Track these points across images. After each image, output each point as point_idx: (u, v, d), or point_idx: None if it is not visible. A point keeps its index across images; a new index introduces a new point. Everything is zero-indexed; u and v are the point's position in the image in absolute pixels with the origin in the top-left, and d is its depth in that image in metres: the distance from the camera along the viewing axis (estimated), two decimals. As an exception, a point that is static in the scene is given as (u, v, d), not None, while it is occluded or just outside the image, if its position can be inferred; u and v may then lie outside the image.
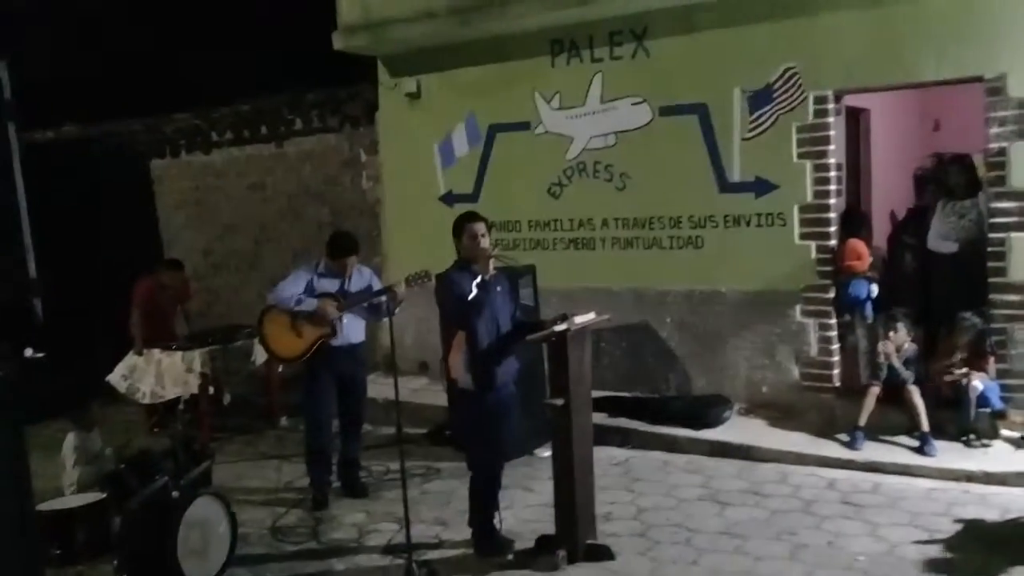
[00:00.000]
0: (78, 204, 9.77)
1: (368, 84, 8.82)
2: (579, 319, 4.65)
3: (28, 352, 9.24)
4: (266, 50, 10.60)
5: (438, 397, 7.27)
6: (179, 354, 7.52)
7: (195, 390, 7.48)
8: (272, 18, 10.71)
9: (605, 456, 6.23)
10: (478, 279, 4.64)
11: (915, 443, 5.99)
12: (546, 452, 6.23)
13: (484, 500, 4.85)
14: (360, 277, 6.00)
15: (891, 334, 6.19)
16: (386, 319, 5.23)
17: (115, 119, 10.60)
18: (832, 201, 6.64)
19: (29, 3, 11.36)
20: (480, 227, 4.78)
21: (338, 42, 8.24)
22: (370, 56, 8.57)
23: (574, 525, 4.52)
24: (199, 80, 10.77)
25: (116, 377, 7.71)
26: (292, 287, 5.79)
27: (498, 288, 4.82)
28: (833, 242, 6.67)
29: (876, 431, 6.18)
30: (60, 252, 9.27)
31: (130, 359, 7.76)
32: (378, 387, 6.97)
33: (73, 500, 4.29)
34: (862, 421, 6.13)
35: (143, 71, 11.22)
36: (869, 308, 6.76)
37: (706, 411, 6.70)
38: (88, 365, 8.02)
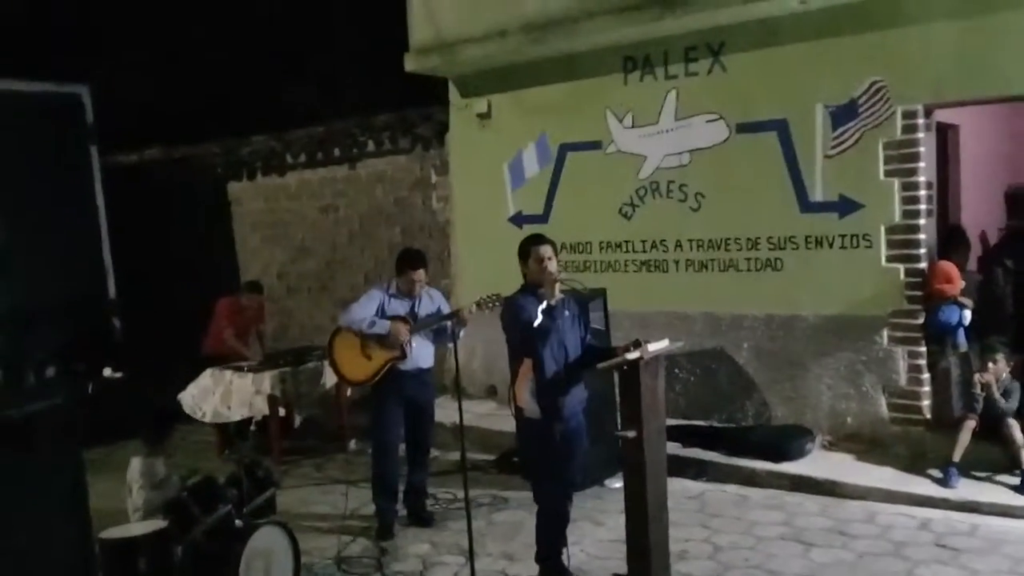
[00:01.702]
0: (158, 225, 10.01)
1: (439, 105, 8.79)
2: (652, 346, 4.44)
3: (107, 371, 9.48)
4: (339, 73, 10.70)
5: (506, 422, 7.09)
6: (250, 376, 7.55)
7: (265, 411, 7.50)
8: (344, 41, 10.82)
9: (678, 489, 5.98)
10: (544, 305, 4.48)
11: (1015, 481, 5.58)
12: (617, 483, 6.02)
13: (551, 535, 4.65)
14: (430, 300, 5.91)
15: (990, 364, 5.80)
16: (455, 343, 5.14)
17: (195, 142, 10.82)
18: (923, 221, 6.29)
19: (112, 31, 11.72)
20: (546, 250, 4.61)
21: (410, 63, 8.23)
22: (441, 77, 8.54)
23: (648, 566, 4.29)
24: (275, 103, 10.95)
25: (187, 396, 7.79)
26: (364, 310, 5.72)
27: (566, 313, 4.64)
28: (923, 264, 6.32)
29: (971, 468, 5.79)
30: (139, 273, 9.53)
31: (202, 379, 7.82)
32: (445, 411, 6.84)
33: (136, 528, 4.26)
34: (956, 457, 5.75)
35: (222, 96, 11.45)
36: (961, 335, 6.36)
37: (786, 443, 6.39)
38: (165, 385, 8.14)
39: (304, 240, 10.27)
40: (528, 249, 4.64)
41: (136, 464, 4.75)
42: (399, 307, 5.77)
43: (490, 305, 5.42)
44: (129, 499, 4.70)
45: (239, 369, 7.67)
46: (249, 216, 10.76)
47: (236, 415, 7.56)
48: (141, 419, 5.17)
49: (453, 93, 8.57)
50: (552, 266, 4.57)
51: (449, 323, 5.53)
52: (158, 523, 4.26)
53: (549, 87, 7.93)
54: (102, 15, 11.98)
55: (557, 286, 4.54)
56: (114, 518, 4.64)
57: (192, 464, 6.69)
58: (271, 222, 10.54)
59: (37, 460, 3.65)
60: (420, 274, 5.77)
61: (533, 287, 4.60)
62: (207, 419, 7.67)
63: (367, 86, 10.05)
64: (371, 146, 9.53)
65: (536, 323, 4.45)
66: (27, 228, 8.62)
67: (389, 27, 8.69)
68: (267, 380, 7.46)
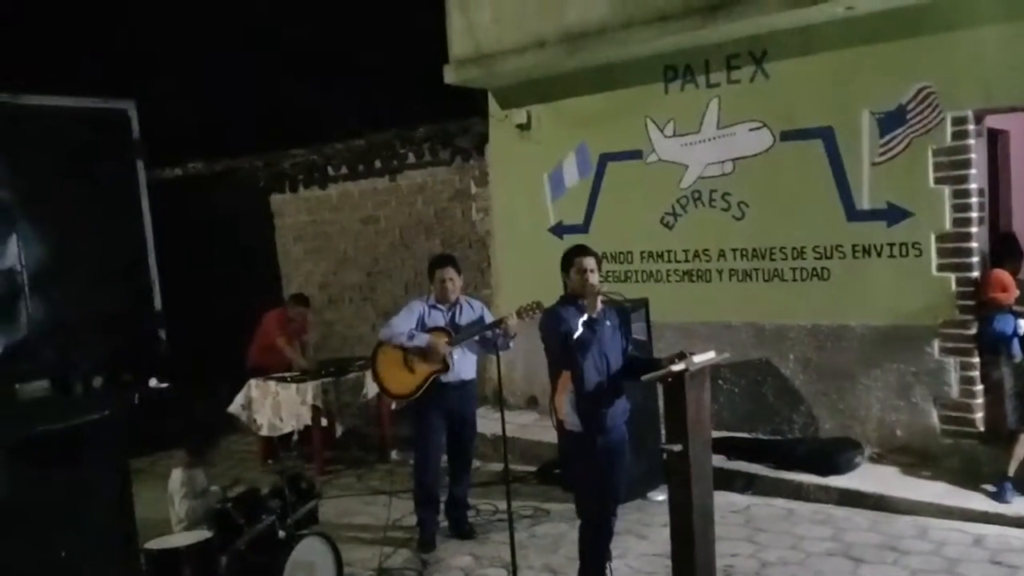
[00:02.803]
0: (202, 237, 10.15)
1: (479, 117, 8.80)
2: (698, 358, 4.36)
3: (152, 382, 9.62)
4: (379, 86, 10.77)
5: (547, 433, 7.03)
6: (294, 386, 7.60)
7: (308, 422, 7.54)
8: (384, 54, 10.90)
9: (724, 502, 5.87)
10: (585, 316, 4.43)
11: (1074, 497, 5.42)
12: (661, 496, 5.95)
13: (594, 551, 4.58)
14: (471, 310, 5.90)
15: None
16: (503, 351, 5.13)
17: (238, 156, 10.95)
18: (974, 229, 6.15)
19: (158, 48, 11.94)
20: (589, 262, 4.56)
21: (449, 75, 8.24)
22: (481, 89, 8.55)
23: (693, 582, 4.22)
24: (316, 117, 11.06)
25: (236, 407, 7.86)
26: (404, 322, 5.73)
27: (607, 323, 4.58)
28: (975, 273, 6.17)
29: (1028, 482, 5.64)
30: (184, 284, 9.67)
31: (248, 391, 7.88)
32: (486, 422, 6.84)
33: (180, 539, 4.29)
34: (1011, 471, 5.60)
35: (264, 110, 11.60)
36: (1016, 345, 6.17)
37: (834, 456, 6.26)
38: (209, 396, 8.23)
39: (345, 251, 10.33)
40: (571, 260, 4.60)
41: (177, 475, 4.78)
42: (439, 318, 5.77)
43: (531, 313, 5.41)
44: (172, 510, 4.73)
45: (282, 380, 7.73)
46: (291, 228, 10.86)
47: (288, 426, 7.64)
48: (185, 430, 5.21)
49: (492, 104, 8.57)
50: (594, 278, 4.52)
51: (492, 332, 5.50)
52: (202, 534, 4.29)
53: (589, 97, 7.89)
54: (148, 33, 12.23)
55: (599, 299, 4.48)
56: (158, 527, 4.67)
57: (235, 474, 6.76)
58: (313, 234, 10.62)
59: (84, 471, 3.69)
60: (449, 271, 5.76)
61: (574, 298, 4.55)
62: (264, 432, 7.74)
63: (407, 98, 10.11)
64: (411, 158, 9.56)
65: (577, 334, 4.41)
66: (75, 240, 8.78)
67: (428, 39, 8.73)
68: (310, 390, 7.50)
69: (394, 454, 7.87)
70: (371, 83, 11.17)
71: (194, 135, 11.10)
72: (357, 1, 11.57)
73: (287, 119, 11.21)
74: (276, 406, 7.66)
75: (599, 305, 4.48)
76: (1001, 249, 6.39)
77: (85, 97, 9.12)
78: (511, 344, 5.61)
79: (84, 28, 11.93)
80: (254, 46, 12.10)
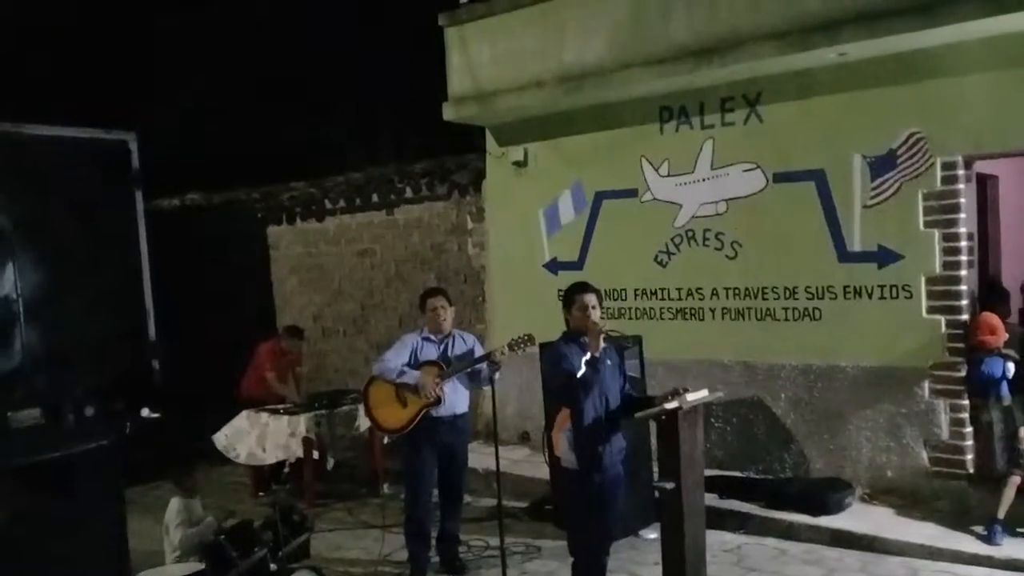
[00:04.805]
0: (199, 268, 10.19)
1: (476, 153, 8.91)
2: (691, 396, 4.40)
3: (145, 411, 9.58)
4: (378, 121, 10.90)
5: (539, 469, 7.07)
6: (286, 418, 7.59)
7: (299, 454, 7.51)
8: (384, 90, 11.04)
9: (715, 541, 5.88)
10: (588, 356, 4.46)
11: (1063, 540, 5.44)
12: (652, 534, 5.96)
13: (587, 588, 4.59)
14: (463, 343, 5.92)
15: (1040, 420, 5.69)
16: (488, 387, 5.14)
17: (236, 187, 11.03)
18: (963, 273, 6.23)
19: (159, 80, 12.07)
20: (591, 298, 4.60)
21: (448, 112, 8.35)
22: (479, 126, 8.66)
23: (684, 620, 4.23)
24: (315, 150, 11.16)
25: (220, 436, 7.83)
26: (396, 356, 5.74)
27: (608, 362, 4.61)
28: (965, 316, 6.24)
29: (1016, 525, 5.65)
30: (179, 314, 9.69)
31: (237, 420, 7.87)
32: (479, 456, 6.83)
33: (173, 570, 4.29)
34: (1001, 513, 5.62)
35: (263, 142, 11.70)
36: (1005, 388, 6.24)
37: (825, 495, 6.27)
38: (199, 426, 8.21)
39: (341, 284, 10.38)
40: (573, 297, 4.63)
41: (175, 504, 4.79)
42: (432, 351, 5.79)
43: (522, 346, 5.42)
44: (167, 539, 4.72)
45: (275, 411, 7.72)
46: (287, 260, 10.91)
47: (271, 457, 7.58)
48: (165, 460, 5.23)
49: (490, 141, 8.68)
50: (596, 315, 4.56)
51: (482, 366, 5.53)
52: (195, 566, 4.28)
53: (585, 136, 8.00)
54: (150, 65, 12.37)
55: (602, 337, 4.49)
56: (149, 559, 4.67)
57: (226, 505, 6.74)
58: (309, 266, 10.68)
59: (77, 500, 3.69)
60: (440, 300, 5.81)
61: (576, 335, 4.58)
62: (241, 460, 7.71)
63: (406, 134, 10.23)
64: (409, 192, 9.65)
65: (579, 374, 4.43)
66: (72, 269, 8.82)
67: (428, 77, 8.86)
68: (302, 422, 7.49)
69: (386, 488, 7.84)
70: (371, 118, 11.30)
71: (193, 166, 11.18)
72: (358, 37, 11.74)
73: (286, 152, 11.31)
74: (261, 436, 7.62)
75: (602, 344, 4.50)
76: (990, 293, 6.49)
77: (86, 128, 9.20)
78: (497, 376, 5.58)
79: (86, 59, 12.06)
80: (255, 79, 12.25)
